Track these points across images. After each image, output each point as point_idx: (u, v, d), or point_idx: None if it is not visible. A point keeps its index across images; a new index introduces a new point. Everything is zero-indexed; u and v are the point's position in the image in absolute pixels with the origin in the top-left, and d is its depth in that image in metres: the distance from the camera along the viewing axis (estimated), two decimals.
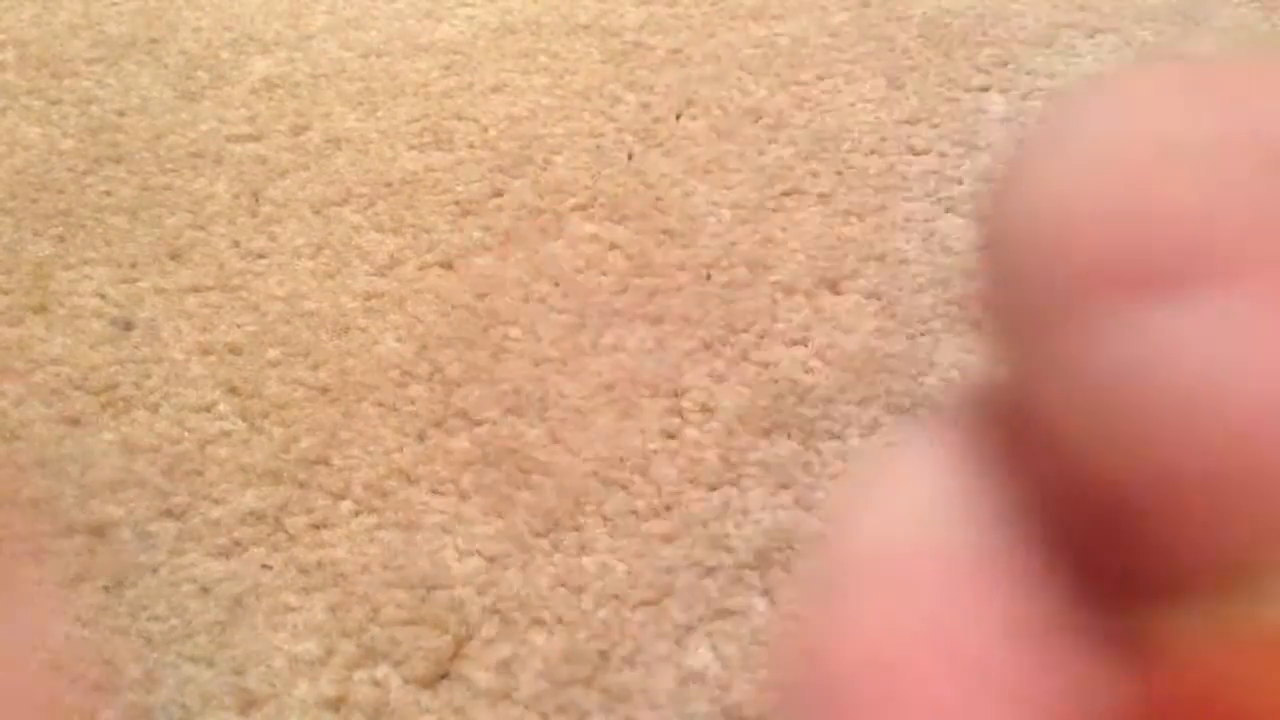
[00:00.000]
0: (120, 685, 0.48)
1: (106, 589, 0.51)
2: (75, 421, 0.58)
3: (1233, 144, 0.08)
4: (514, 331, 0.61)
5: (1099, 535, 0.09)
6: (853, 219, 0.67)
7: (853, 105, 0.75)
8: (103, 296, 0.64)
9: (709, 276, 0.63)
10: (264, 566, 0.52)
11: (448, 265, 0.65)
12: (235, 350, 0.61)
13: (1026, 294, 0.09)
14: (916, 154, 0.71)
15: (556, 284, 0.63)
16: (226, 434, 0.57)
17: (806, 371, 0.58)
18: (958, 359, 0.59)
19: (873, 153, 0.71)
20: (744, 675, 0.47)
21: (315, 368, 0.60)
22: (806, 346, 0.60)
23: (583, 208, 0.68)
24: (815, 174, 0.70)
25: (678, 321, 0.61)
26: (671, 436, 0.56)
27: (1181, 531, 0.08)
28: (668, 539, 0.52)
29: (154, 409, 0.58)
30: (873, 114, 0.74)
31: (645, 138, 0.73)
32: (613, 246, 0.65)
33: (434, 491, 0.54)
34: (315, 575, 0.51)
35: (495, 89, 0.77)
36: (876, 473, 0.10)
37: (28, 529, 0.53)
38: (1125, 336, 0.08)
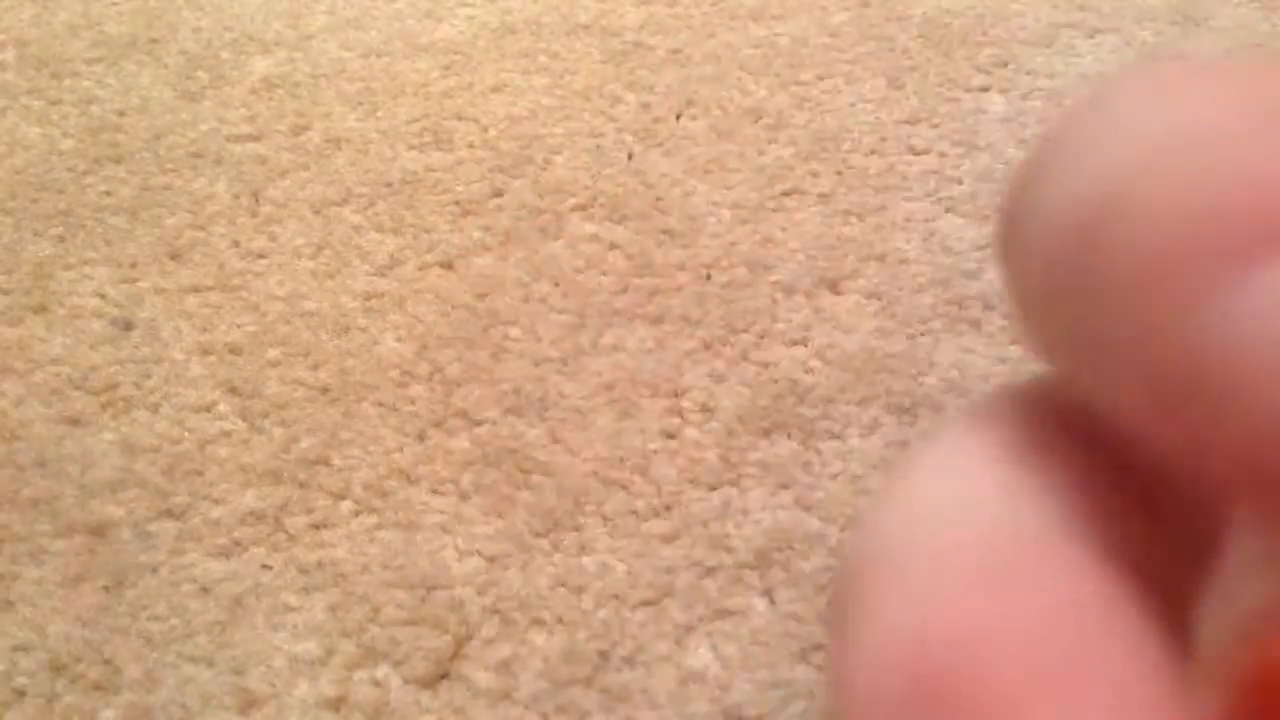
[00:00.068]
0: (120, 685, 0.48)
1: (106, 589, 0.51)
2: (75, 421, 0.58)
3: None
4: (514, 331, 0.61)
5: (1170, 519, 0.08)
6: (853, 219, 0.67)
7: (853, 105, 0.75)
8: (103, 296, 0.64)
9: (709, 276, 0.63)
10: (264, 566, 0.52)
11: (448, 265, 0.65)
12: (235, 350, 0.61)
13: (1109, 271, 0.08)
14: (916, 154, 0.71)
15: (556, 284, 0.63)
16: (226, 434, 0.57)
17: (806, 371, 0.58)
18: (958, 359, 0.59)
19: (873, 153, 0.71)
20: (744, 675, 0.47)
21: (315, 368, 0.60)
22: (806, 346, 0.60)
23: (583, 208, 0.68)
24: (815, 174, 0.70)
25: (678, 321, 0.61)
26: (671, 436, 0.56)
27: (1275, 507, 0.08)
28: (668, 539, 0.52)
29: (154, 409, 0.58)
30: (873, 114, 0.74)
31: (645, 138, 0.73)
32: (613, 246, 0.65)
33: (434, 491, 0.54)
34: (315, 575, 0.51)
35: (495, 89, 0.77)
36: (924, 463, 0.10)
37: (27, 529, 0.53)
38: (1231, 304, 0.08)
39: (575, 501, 0.53)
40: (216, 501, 0.54)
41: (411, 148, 0.73)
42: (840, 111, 0.74)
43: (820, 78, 0.77)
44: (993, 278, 0.63)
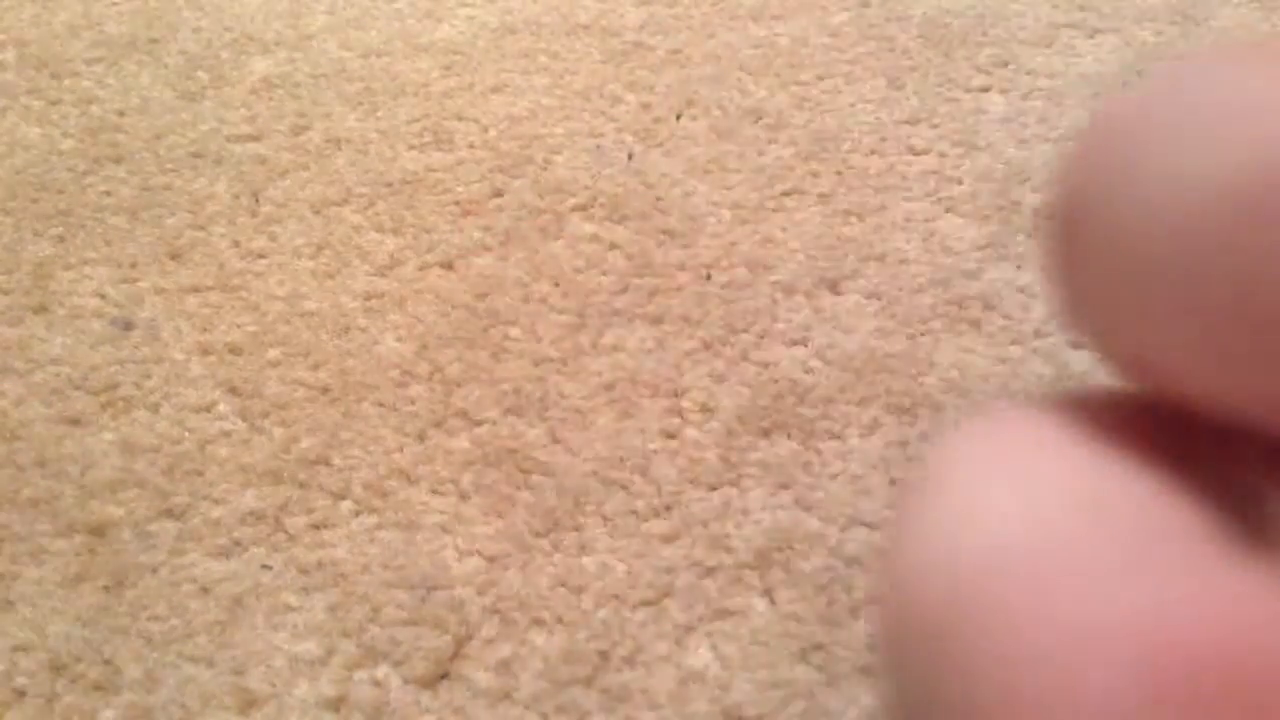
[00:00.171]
0: (120, 685, 0.48)
1: (106, 589, 0.51)
2: (75, 421, 0.58)
3: None
4: (514, 331, 0.61)
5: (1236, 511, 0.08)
6: (853, 219, 0.67)
7: (853, 105, 0.75)
8: (103, 296, 0.64)
9: (709, 276, 0.63)
10: (264, 566, 0.52)
11: (448, 265, 0.65)
12: (235, 350, 0.61)
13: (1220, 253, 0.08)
14: (916, 154, 0.71)
15: (556, 284, 0.63)
16: (226, 434, 0.57)
17: (806, 371, 0.58)
18: (958, 359, 0.59)
19: (873, 153, 0.71)
20: (744, 675, 0.47)
21: (315, 368, 0.60)
22: (806, 346, 0.60)
23: (583, 208, 0.68)
24: (815, 174, 0.70)
25: (678, 321, 0.61)
26: (671, 436, 0.56)
27: None
28: (668, 539, 0.52)
29: (154, 409, 0.58)
30: (873, 114, 0.74)
31: (645, 138, 0.73)
32: (613, 246, 0.65)
33: (434, 491, 0.54)
34: (315, 575, 0.51)
35: (495, 89, 0.77)
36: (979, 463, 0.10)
37: (27, 529, 0.53)
38: None
39: (575, 501, 0.53)
40: (216, 501, 0.54)
41: (411, 148, 0.73)
42: (840, 111, 0.74)
43: (820, 78, 0.77)
44: (993, 278, 0.63)
